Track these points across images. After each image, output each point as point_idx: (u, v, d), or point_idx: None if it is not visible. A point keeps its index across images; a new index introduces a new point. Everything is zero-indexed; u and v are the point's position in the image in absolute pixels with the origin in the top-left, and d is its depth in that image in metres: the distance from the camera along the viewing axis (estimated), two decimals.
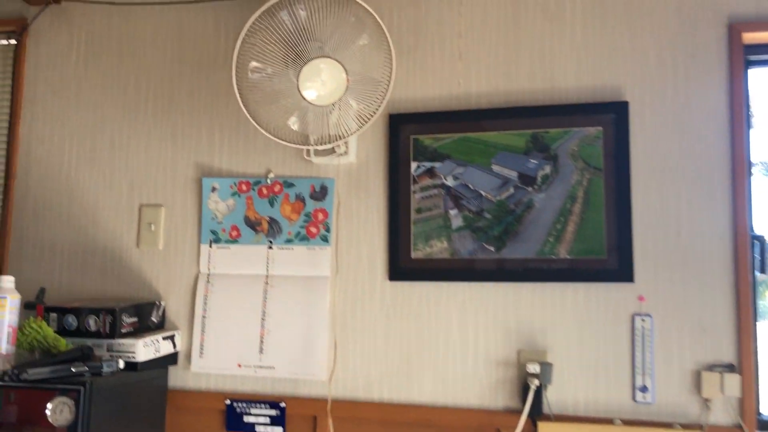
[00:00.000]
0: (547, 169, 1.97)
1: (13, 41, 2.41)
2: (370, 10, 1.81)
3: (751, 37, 1.91)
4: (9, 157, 2.36)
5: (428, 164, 2.05)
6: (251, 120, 1.86)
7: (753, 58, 1.95)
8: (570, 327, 1.91)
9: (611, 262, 1.90)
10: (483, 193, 2.00)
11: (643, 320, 1.88)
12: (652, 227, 1.89)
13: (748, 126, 1.92)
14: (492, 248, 1.97)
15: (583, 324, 1.91)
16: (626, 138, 1.92)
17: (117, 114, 2.30)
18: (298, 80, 1.75)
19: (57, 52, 2.38)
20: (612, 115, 1.94)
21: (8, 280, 1.86)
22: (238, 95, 1.83)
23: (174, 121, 2.26)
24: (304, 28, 1.77)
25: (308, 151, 2.11)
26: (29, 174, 2.35)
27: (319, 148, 1.98)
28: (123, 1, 2.33)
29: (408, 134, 2.07)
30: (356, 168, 2.10)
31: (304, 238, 2.10)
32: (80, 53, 2.36)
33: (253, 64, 1.79)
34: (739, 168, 1.86)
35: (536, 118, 1.99)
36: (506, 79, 2.03)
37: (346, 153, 2.08)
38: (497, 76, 2.04)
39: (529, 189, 1.97)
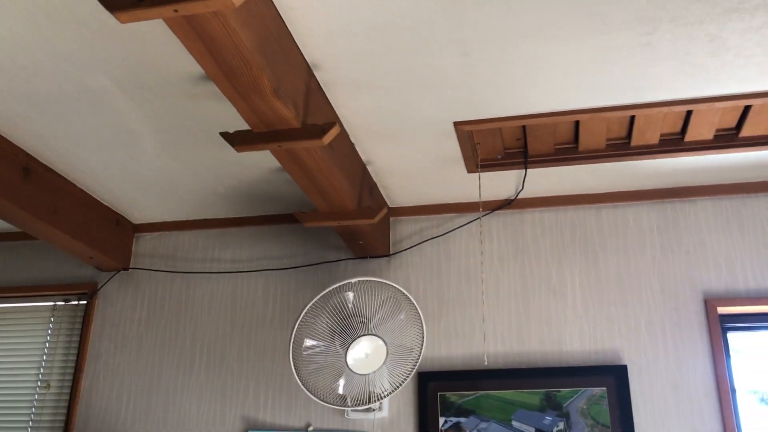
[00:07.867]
0: (561, 426, 2.21)
1: (83, 302, 2.75)
2: (405, 292, 2.17)
3: (724, 309, 2.27)
4: (70, 410, 2.59)
5: (454, 419, 2.29)
6: (304, 389, 2.13)
7: (729, 325, 2.29)
8: None
9: None
10: None
11: None
12: None
13: (733, 391, 2.20)
14: None
15: None
16: (628, 397, 2.19)
17: (172, 371, 2.58)
18: (346, 355, 2.05)
19: (122, 313, 2.71)
20: (613, 377, 2.23)
21: None
22: (293, 367, 2.12)
23: (224, 378, 2.53)
24: (351, 308, 2.12)
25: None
26: (87, 426, 2.57)
27: (359, 409, 2.23)
28: (185, 269, 2.72)
29: (435, 391, 2.34)
30: (389, 423, 2.34)
31: None
32: (143, 315, 2.69)
33: (307, 341, 2.11)
34: (728, 421, 2.12)
35: (547, 379, 2.27)
36: (519, 342, 2.35)
37: (380, 409, 2.34)
38: (512, 340, 2.36)
39: None
